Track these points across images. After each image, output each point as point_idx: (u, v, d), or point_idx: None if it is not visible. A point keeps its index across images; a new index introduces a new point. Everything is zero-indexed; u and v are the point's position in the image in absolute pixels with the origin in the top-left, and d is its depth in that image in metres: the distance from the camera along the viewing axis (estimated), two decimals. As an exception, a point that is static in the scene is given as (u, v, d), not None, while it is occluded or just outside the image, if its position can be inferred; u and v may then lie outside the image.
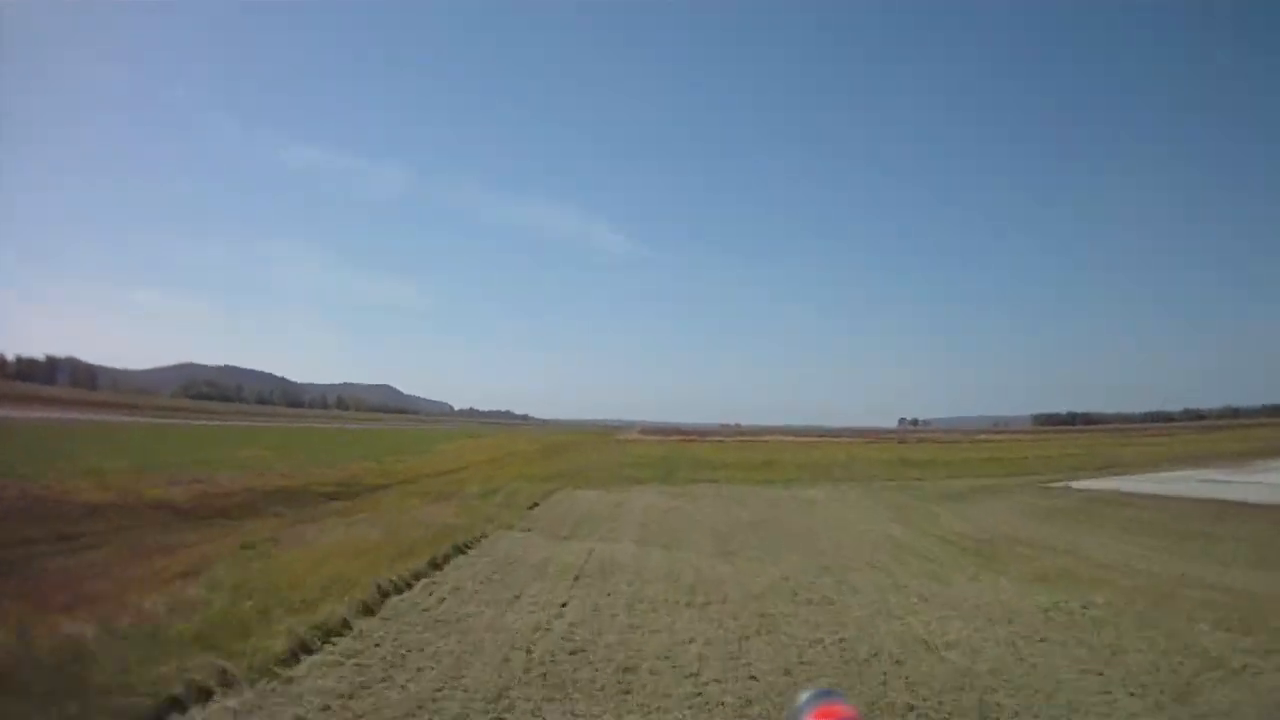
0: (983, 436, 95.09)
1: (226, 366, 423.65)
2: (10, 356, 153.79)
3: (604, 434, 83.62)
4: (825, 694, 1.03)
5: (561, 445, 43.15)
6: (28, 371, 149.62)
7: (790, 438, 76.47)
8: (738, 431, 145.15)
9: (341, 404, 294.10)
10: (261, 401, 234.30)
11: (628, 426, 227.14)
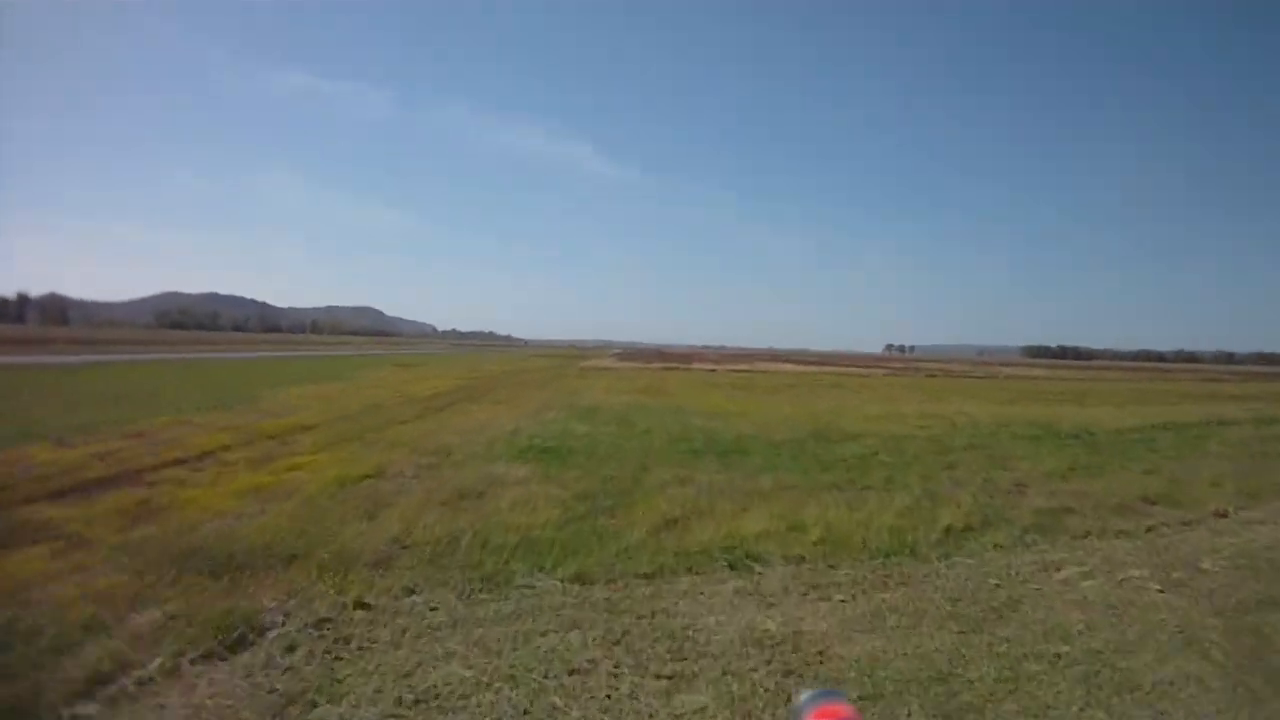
0: (1028, 373, 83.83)
1: (208, 294, 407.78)
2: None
3: (570, 359, 71.11)
4: (826, 694, 0.99)
5: (490, 381, 30.64)
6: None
7: (792, 365, 64.38)
8: (725, 356, 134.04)
9: (316, 328, 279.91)
10: (237, 328, 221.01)
11: (606, 348, 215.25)
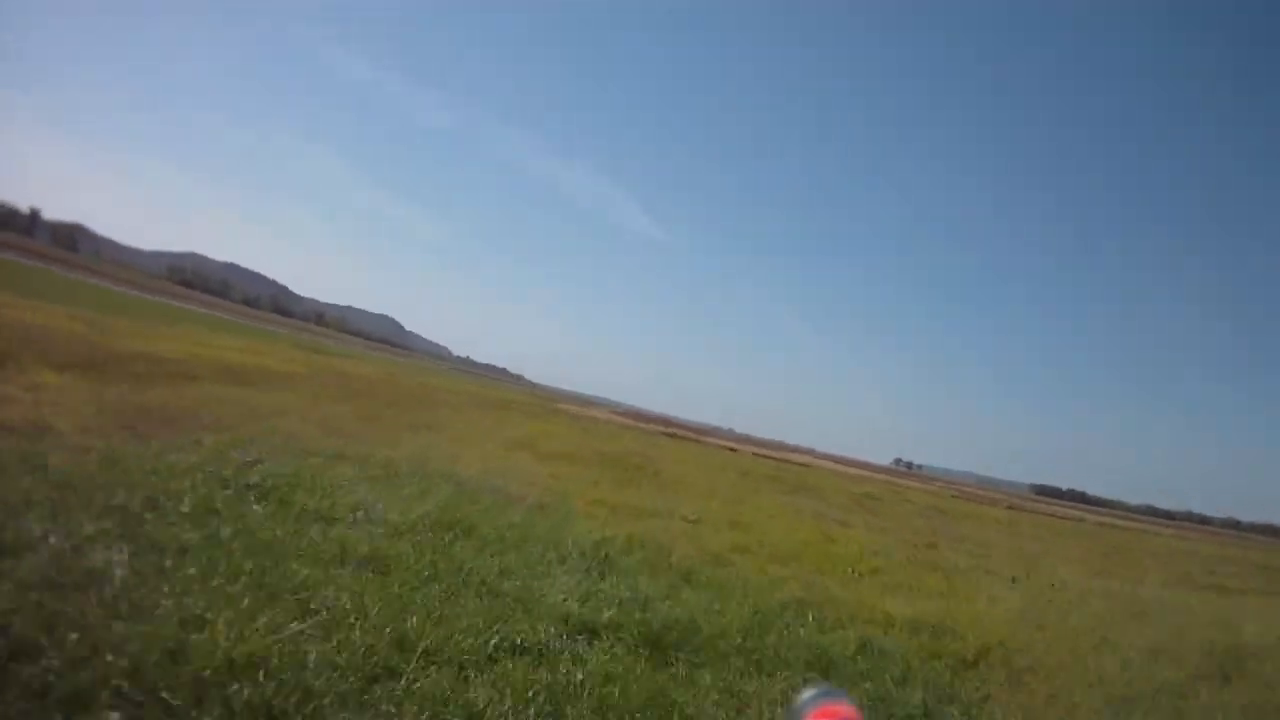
0: (1105, 519, 67.82)
1: (230, 264, 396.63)
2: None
3: (556, 402, 56.28)
4: (826, 693, 0.93)
5: (339, 389, 15.99)
6: (6, 220, 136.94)
7: (828, 464, 49.17)
8: (738, 440, 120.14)
9: (320, 321, 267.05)
10: (247, 303, 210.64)
11: (614, 407, 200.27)
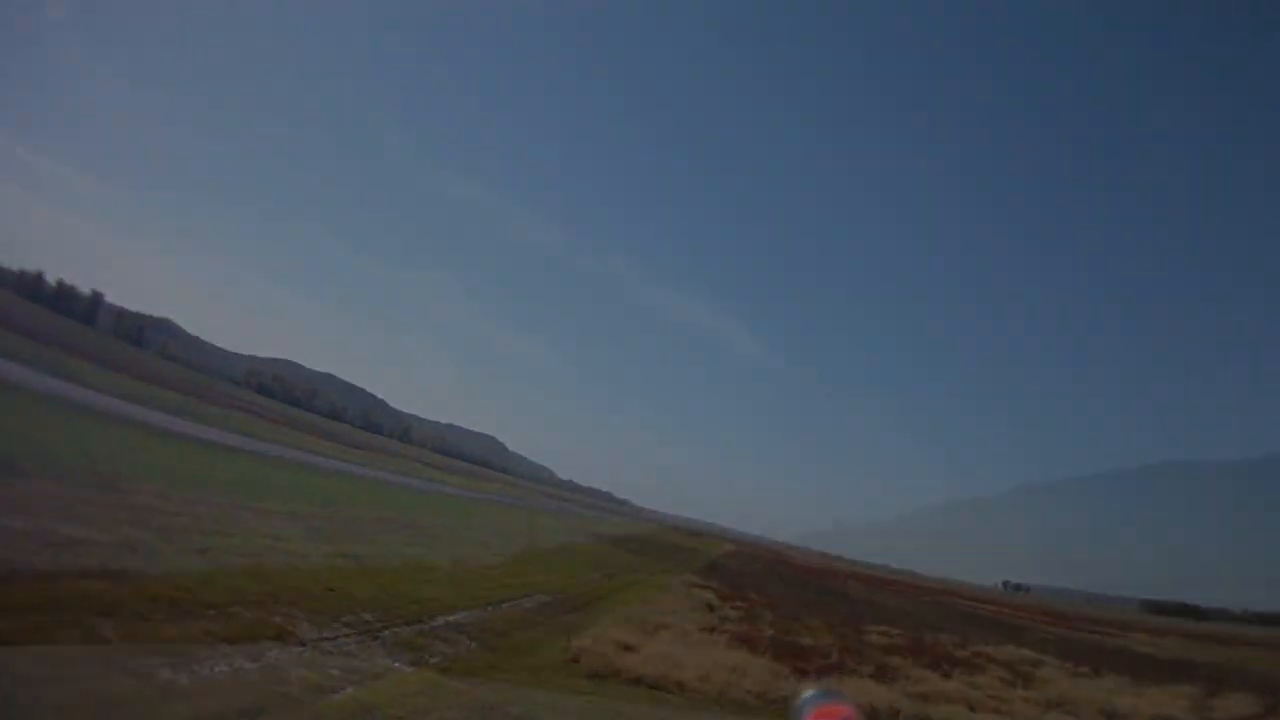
0: None
1: (327, 375, 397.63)
2: (51, 279, 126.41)
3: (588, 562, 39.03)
4: (826, 694, 0.96)
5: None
6: (66, 302, 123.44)
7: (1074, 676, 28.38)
8: (863, 576, 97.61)
9: (405, 437, 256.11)
10: (333, 415, 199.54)
11: (721, 536, 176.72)
